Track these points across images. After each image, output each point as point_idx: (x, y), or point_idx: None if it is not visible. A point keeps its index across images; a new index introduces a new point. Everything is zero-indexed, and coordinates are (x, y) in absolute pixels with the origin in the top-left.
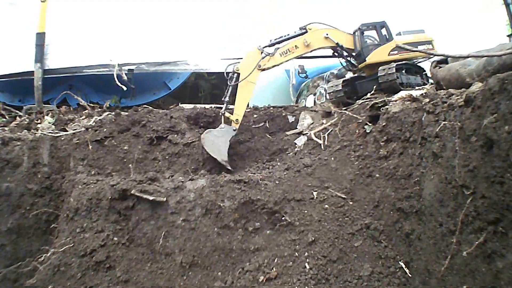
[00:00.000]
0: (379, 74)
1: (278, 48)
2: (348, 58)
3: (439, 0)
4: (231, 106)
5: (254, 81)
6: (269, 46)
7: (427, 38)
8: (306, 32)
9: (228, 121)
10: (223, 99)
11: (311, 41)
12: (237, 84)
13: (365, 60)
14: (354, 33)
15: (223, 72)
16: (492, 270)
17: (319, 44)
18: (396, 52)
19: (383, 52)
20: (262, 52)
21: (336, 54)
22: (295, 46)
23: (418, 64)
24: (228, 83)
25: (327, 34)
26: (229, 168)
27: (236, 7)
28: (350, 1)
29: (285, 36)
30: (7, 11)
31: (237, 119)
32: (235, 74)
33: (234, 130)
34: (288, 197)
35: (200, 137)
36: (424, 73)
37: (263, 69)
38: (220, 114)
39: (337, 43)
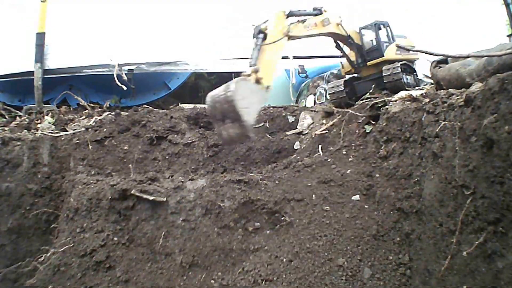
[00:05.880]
0: (384, 74)
1: (302, 19)
2: (349, 56)
3: (439, 0)
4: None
5: (281, 47)
6: (292, 15)
7: (410, 43)
8: (321, 13)
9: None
10: (250, 62)
11: (329, 21)
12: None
13: (383, 55)
14: (360, 29)
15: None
16: (492, 270)
17: (333, 28)
18: (399, 52)
19: (393, 50)
20: (287, 17)
21: (339, 47)
22: (315, 23)
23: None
24: (255, 43)
25: (341, 21)
26: (251, 135)
27: (236, 7)
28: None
29: (303, 10)
30: (7, 11)
31: (268, 86)
32: (261, 34)
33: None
34: (288, 197)
35: (229, 86)
36: (415, 73)
37: (290, 37)
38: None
39: (348, 35)
